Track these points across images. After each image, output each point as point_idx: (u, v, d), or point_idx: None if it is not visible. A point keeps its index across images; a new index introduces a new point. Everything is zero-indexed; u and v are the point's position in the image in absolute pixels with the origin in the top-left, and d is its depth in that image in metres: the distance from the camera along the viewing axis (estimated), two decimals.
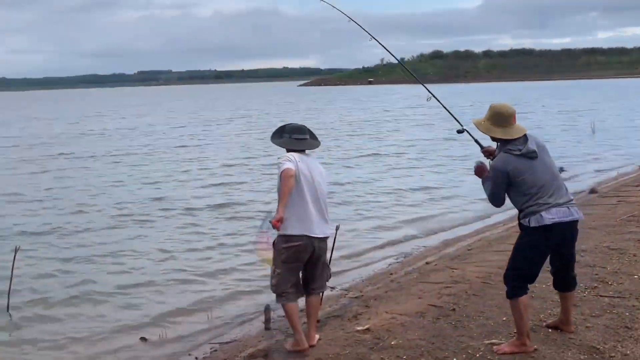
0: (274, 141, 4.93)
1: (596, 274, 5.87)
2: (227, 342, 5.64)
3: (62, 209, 11.81)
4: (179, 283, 7.41)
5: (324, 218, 4.75)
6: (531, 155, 4.25)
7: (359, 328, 5.25)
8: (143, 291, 7.15)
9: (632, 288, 5.43)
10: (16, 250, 6.65)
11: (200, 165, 18.05)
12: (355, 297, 6.41)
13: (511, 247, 5.07)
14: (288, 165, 4.57)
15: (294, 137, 4.82)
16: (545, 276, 4.64)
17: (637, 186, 11.54)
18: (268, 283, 7.32)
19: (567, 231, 4.27)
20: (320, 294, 5.05)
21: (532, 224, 4.20)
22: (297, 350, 4.81)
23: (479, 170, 4.62)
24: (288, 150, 4.79)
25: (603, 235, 7.42)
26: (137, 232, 9.90)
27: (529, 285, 4.32)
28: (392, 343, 4.79)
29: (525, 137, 4.32)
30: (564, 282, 4.49)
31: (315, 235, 4.66)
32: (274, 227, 4.57)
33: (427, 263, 7.35)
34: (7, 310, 6.41)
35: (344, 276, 7.44)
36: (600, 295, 5.28)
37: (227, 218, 10.79)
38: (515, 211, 4.61)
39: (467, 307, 5.43)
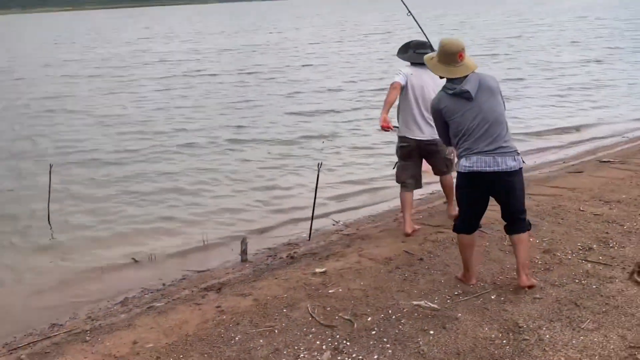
0: (399, 56, 5.47)
1: (606, 233, 4.96)
2: (199, 271, 5.65)
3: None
4: (182, 210, 7.44)
5: (429, 124, 5.21)
6: (464, 96, 3.88)
7: (316, 270, 5.02)
8: (156, 212, 7.37)
9: (629, 254, 4.53)
10: (51, 167, 7.23)
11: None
12: (347, 235, 6.08)
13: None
14: (397, 78, 5.25)
15: (417, 52, 5.27)
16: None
17: None
18: (258, 216, 7.22)
19: (493, 182, 3.88)
20: (447, 176, 5.68)
21: (458, 169, 4.06)
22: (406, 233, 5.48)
23: None
24: (412, 64, 5.30)
25: None
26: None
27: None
28: (331, 291, 4.52)
29: (466, 76, 3.90)
30: (508, 223, 4.10)
31: (417, 138, 5.38)
32: (382, 128, 5.21)
33: (444, 202, 6.66)
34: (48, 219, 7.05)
35: (359, 210, 7.06)
36: (586, 260, 4.46)
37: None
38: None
39: (438, 257, 4.94)
